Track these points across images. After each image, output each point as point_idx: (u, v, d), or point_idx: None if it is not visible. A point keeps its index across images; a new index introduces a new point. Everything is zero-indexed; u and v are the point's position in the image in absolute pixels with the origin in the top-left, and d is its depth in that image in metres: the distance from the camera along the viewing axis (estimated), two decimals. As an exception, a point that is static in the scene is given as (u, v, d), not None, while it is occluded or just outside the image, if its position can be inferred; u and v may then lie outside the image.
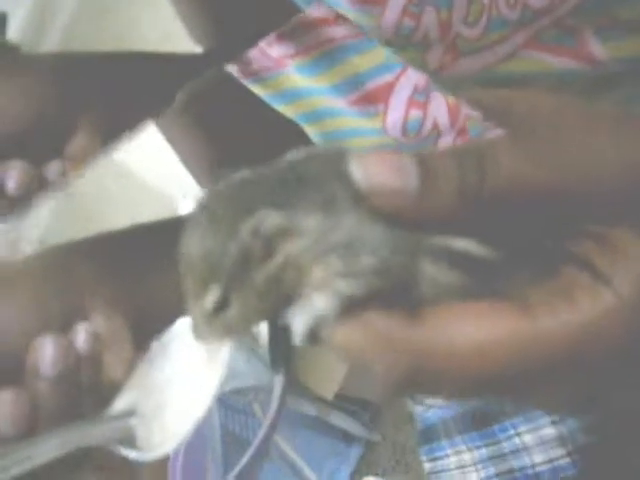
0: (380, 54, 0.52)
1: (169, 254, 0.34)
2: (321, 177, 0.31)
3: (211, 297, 0.32)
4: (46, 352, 0.40)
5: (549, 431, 0.65)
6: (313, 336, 0.31)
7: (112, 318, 0.42)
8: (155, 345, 0.38)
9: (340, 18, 0.51)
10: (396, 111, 0.54)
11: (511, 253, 0.30)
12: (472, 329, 0.28)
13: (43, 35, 0.48)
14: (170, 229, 0.37)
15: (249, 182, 0.32)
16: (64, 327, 0.41)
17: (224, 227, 0.31)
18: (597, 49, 0.50)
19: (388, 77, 0.53)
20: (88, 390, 0.41)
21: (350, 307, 0.30)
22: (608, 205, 0.28)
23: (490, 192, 0.28)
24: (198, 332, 0.33)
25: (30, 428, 0.39)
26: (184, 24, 0.55)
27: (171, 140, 0.64)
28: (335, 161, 0.31)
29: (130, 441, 0.35)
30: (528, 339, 0.28)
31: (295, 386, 1.02)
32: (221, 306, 0.32)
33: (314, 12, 0.51)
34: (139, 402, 0.36)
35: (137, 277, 0.47)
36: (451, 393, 0.30)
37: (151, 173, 1.65)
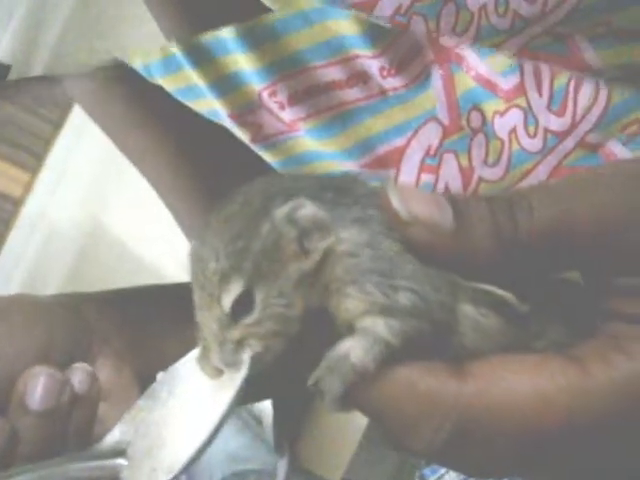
0: (391, 116, 0.52)
1: (183, 314, 0.33)
2: (360, 196, 0.30)
3: (233, 292, 0.28)
4: (37, 384, 0.37)
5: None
6: (347, 398, 0.29)
7: (121, 370, 0.41)
8: (160, 377, 0.35)
9: (352, 80, 0.52)
10: (407, 176, 0.54)
11: (544, 304, 0.29)
12: (527, 384, 0.27)
13: (33, 54, 0.48)
14: (184, 291, 0.36)
15: (286, 177, 0.31)
16: (64, 365, 0.39)
17: (255, 211, 0.29)
18: (590, 56, 0.49)
19: (399, 141, 0.53)
20: (75, 432, 0.38)
21: (387, 361, 0.28)
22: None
23: (525, 237, 0.28)
24: (208, 355, 0.30)
25: (5, 462, 0.36)
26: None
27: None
28: (375, 193, 0.30)
29: None
30: (585, 393, 0.26)
31: (299, 470, 0.98)
32: (241, 309, 0.28)
33: (327, 75, 0.52)
34: (132, 440, 0.34)
35: (150, 333, 0.46)
36: (500, 457, 0.28)
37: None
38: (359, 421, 0.99)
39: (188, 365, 0.34)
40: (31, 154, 2.42)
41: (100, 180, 2.33)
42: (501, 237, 0.28)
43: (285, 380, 0.69)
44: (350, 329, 0.29)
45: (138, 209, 2.15)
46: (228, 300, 0.28)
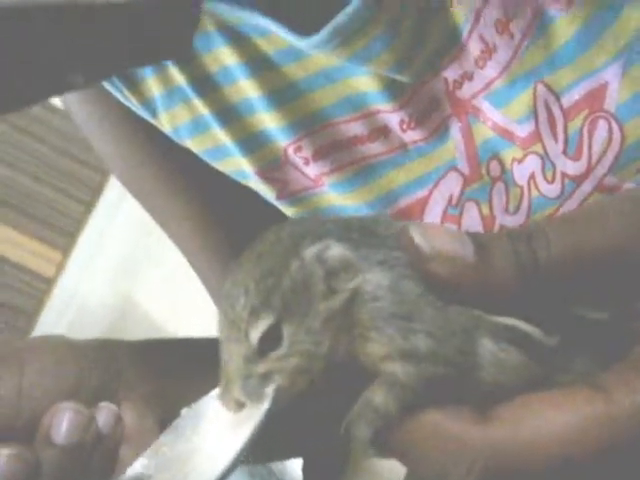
0: (412, 169, 0.54)
1: (207, 365, 0.34)
2: (384, 238, 0.31)
3: (262, 326, 0.29)
4: (64, 418, 0.38)
5: None
6: (378, 442, 0.29)
7: (144, 416, 0.42)
8: (184, 413, 0.36)
9: (374, 134, 0.53)
10: None
11: (570, 337, 0.30)
12: (554, 422, 0.27)
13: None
14: (210, 344, 0.37)
15: (314, 219, 0.32)
16: (90, 405, 0.40)
17: (285, 250, 0.30)
18: None
19: (421, 193, 0.54)
20: (97, 470, 0.39)
21: (410, 405, 0.29)
22: None
23: (545, 267, 0.29)
24: (230, 389, 0.30)
25: None
26: None
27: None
28: (396, 234, 0.31)
29: None
30: (612, 423, 0.26)
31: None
32: (268, 344, 0.29)
33: (349, 130, 0.54)
34: (153, 475, 0.34)
35: (175, 382, 0.46)
36: None
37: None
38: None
39: (212, 401, 0.34)
40: (63, 234, 2.48)
41: (130, 258, 2.37)
42: (522, 268, 0.28)
43: (316, 437, 0.69)
44: (374, 375, 0.30)
45: (167, 286, 2.18)
46: (256, 334, 0.29)
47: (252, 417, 0.30)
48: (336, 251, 0.29)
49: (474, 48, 0.48)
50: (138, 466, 0.35)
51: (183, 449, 0.33)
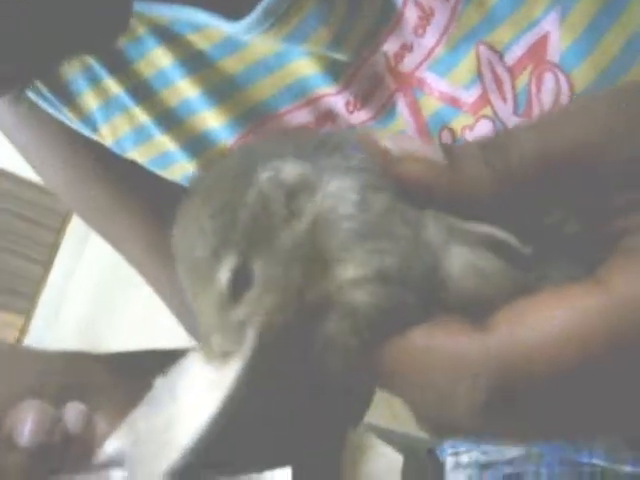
0: None
1: None
2: (345, 147, 0.29)
3: (227, 268, 0.26)
4: (27, 418, 0.35)
5: None
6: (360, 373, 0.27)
7: (119, 424, 0.39)
8: (159, 383, 0.33)
9: (321, 120, 0.52)
10: None
11: (544, 247, 0.28)
12: (554, 319, 0.25)
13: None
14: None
15: (266, 140, 0.29)
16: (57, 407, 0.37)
17: (237, 179, 0.27)
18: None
19: None
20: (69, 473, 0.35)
21: (391, 330, 0.26)
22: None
23: (516, 169, 0.27)
24: (209, 341, 0.27)
25: None
26: None
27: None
28: (355, 142, 0.29)
29: None
30: (615, 310, 0.25)
31: None
32: (240, 283, 0.26)
33: (295, 119, 0.52)
34: (130, 450, 0.31)
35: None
36: (551, 402, 0.26)
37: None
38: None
39: (188, 364, 0.31)
40: (23, 297, 2.42)
41: (92, 313, 2.32)
42: (494, 168, 0.27)
43: (306, 444, 0.66)
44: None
45: (133, 336, 2.13)
46: (224, 277, 0.26)
47: (232, 368, 0.27)
48: (292, 171, 0.27)
49: (411, 15, 0.47)
50: (110, 447, 0.33)
51: (160, 420, 0.31)
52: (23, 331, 2.41)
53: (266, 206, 0.26)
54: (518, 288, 0.27)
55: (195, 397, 0.30)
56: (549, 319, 0.25)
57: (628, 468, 0.59)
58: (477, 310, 0.27)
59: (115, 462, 0.32)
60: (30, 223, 2.49)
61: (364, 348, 0.26)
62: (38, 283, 2.46)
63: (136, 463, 0.31)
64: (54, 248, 2.50)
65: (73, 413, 0.37)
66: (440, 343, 0.26)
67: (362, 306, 0.26)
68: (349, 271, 0.26)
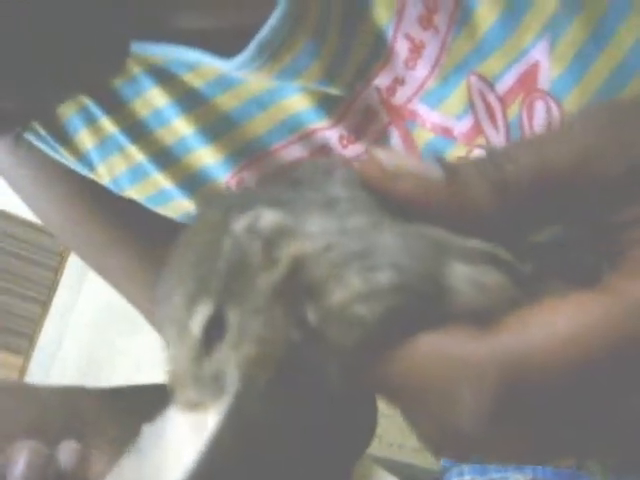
0: None
1: None
2: (318, 180, 0.28)
3: (202, 314, 0.26)
4: (20, 458, 0.35)
5: None
6: (352, 379, 0.26)
7: (115, 461, 0.39)
8: (146, 429, 0.32)
9: (315, 155, 0.53)
10: None
11: (541, 265, 0.28)
12: (563, 321, 0.25)
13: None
14: None
15: (241, 190, 0.29)
16: (52, 447, 0.37)
17: (214, 227, 0.27)
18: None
19: None
20: None
21: (390, 335, 0.26)
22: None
23: (514, 185, 0.27)
24: (183, 388, 0.27)
25: None
26: None
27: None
28: (331, 169, 0.29)
29: None
30: (625, 311, 0.24)
31: None
32: (214, 332, 0.26)
33: (289, 154, 0.53)
34: None
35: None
36: (561, 409, 0.25)
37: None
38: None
39: (173, 411, 0.30)
40: (22, 337, 2.41)
41: (92, 353, 2.31)
42: (491, 184, 0.27)
43: (313, 465, 0.66)
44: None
45: (133, 375, 2.12)
46: (197, 324, 0.26)
47: (212, 418, 0.27)
48: (267, 218, 0.26)
49: (402, 48, 0.48)
50: None
51: (147, 471, 0.30)
52: (22, 371, 2.40)
53: (243, 256, 0.26)
54: (518, 300, 0.27)
55: (180, 448, 0.29)
56: (557, 322, 0.25)
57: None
58: (480, 320, 0.26)
59: None
60: (27, 262, 2.49)
61: (369, 358, 0.26)
62: (36, 322, 2.45)
63: None
64: (52, 287, 2.50)
65: (67, 452, 0.37)
66: (445, 347, 0.25)
67: (363, 319, 0.26)
68: (338, 295, 0.26)
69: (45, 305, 2.48)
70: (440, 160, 0.28)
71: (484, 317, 0.26)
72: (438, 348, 0.25)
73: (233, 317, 0.26)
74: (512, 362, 0.24)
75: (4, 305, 2.44)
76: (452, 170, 0.28)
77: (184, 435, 0.29)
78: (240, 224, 0.26)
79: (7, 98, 0.33)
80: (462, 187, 0.27)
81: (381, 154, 0.28)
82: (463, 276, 0.26)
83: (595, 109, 0.29)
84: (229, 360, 0.26)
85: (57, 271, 2.49)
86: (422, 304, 0.26)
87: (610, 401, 0.25)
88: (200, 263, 0.26)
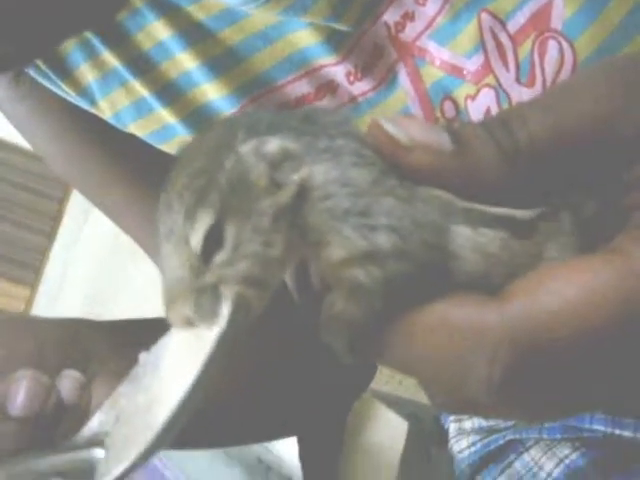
0: (365, 122, 0.52)
1: None
2: (331, 125, 0.28)
3: (201, 227, 0.25)
4: (20, 388, 0.35)
5: None
6: (357, 348, 0.26)
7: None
8: (143, 358, 0.31)
9: (321, 91, 0.52)
10: None
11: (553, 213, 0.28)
12: (575, 287, 0.24)
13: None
14: None
15: (247, 114, 0.29)
16: (53, 376, 0.37)
17: (218, 148, 0.26)
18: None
19: None
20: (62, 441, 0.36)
21: (383, 311, 0.26)
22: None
23: (527, 150, 0.27)
24: (178, 303, 0.26)
25: None
26: None
27: None
28: (343, 121, 0.28)
29: (87, 474, 0.29)
30: (634, 277, 0.24)
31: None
32: (212, 245, 0.25)
33: (295, 90, 0.52)
34: (112, 430, 0.30)
35: None
36: (573, 375, 0.25)
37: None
38: (392, 462, 0.96)
39: (170, 338, 0.30)
40: (28, 269, 2.43)
41: (98, 282, 2.33)
42: (502, 151, 0.27)
43: (309, 414, 0.67)
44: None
45: (138, 303, 2.14)
46: (197, 237, 0.26)
47: (207, 340, 0.26)
48: (274, 144, 0.26)
49: None
50: (95, 422, 0.32)
51: (143, 400, 0.29)
52: (29, 302, 2.42)
53: (245, 176, 0.26)
54: (524, 259, 0.27)
55: (174, 374, 0.28)
56: (570, 286, 0.24)
57: (628, 433, 0.59)
58: (486, 285, 0.27)
59: (95, 442, 0.31)
60: (32, 193, 2.49)
61: (374, 326, 0.26)
62: (42, 254, 2.46)
63: (114, 444, 0.30)
64: (57, 218, 2.50)
65: (68, 382, 0.37)
66: (455, 316, 0.25)
67: (365, 284, 0.25)
68: (339, 252, 0.26)
69: (50, 236, 2.49)
70: (449, 127, 0.28)
71: (490, 284, 0.26)
72: (447, 318, 0.25)
73: (232, 231, 0.26)
74: (525, 330, 0.24)
75: (10, 236, 2.45)
76: (462, 139, 0.27)
77: (179, 361, 0.28)
78: (247, 146, 0.26)
79: (9, 41, 0.33)
80: (472, 158, 0.27)
81: (390, 125, 0.27)
82: (467, 241, 0.26)
83: (613, 64, 0.28)
84: (225, 276, 0.26)
85: (62, 202, 2.49)
86: (425, 272, 0.26)
87: (622, 364, 0.25)
88: (199, 175, 0.26)
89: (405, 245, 0.25)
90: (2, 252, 2.43)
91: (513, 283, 0.26)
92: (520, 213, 0.27)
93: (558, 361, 0.25)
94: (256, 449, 1.01)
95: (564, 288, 0.24)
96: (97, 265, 2.35)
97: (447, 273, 0.26)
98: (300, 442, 0.92)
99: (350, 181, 0.26)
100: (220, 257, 0.26)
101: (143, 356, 0.32)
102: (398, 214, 0.26)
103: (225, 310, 0.26)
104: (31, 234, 2.47)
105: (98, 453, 0.30)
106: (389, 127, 0.27)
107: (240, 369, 0.54)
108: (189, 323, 0.27)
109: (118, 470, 0.27)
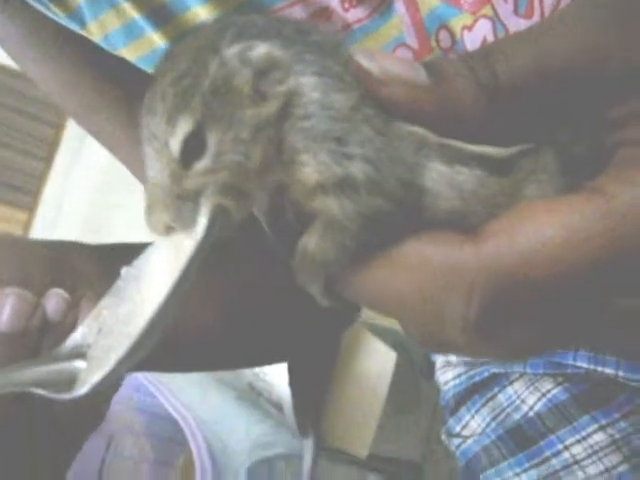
0: (386, 33, 0.51)
1: None
2: (318, 43, 0.27)
3: (181, 132, 0.25)
4: (5, 304, 0.36)
5: (599, 437, 0.60)
6: (332, 292, 0.26)
7: None
8: (125, 271, 0.32)
9: (315, 18, 0.51)
10: None
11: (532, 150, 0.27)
12: (553, 224, 0.24)
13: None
14: None
15: (239, 15, 0.28)
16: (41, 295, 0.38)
17: (203, 50, 0.26)
18: None
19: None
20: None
21: (355, 249, 0.25)
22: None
23: (507, 85, 0.26)
24: (159, 208, 0.26)
25: None
26: None
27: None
28: (334, 44, 0.28)
29: (68, 384, 0.29)
30: (616, 216, 0.24)
31: (326, 449, 0.97)
32: (193, 155, 0.25)
33: (289, 16, 0.51)
34: (94, 341, 0.30)
35: None
36: (549, 312, 0.25)
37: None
38: (380, 391, 0.98)
39: (152, 251, 0.30)
40: (25, 193, 2.43)
41: (95, 208, 2.33)
42: (481, 85, 0.26)
43: (299, 339, 0.67)
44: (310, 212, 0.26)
45: (136, 228, 2.15)
46: (176, 141, 0.25)
47: (185, 251, 0.26)
48: (262, 50, 0.25)
49: None
50: (78, 335, 0.32)
51: (124, 311, 0.30)
52: (26, 227, 2.43)
53: (229, 80, 0.25)
54: (502, 197, 0.26)
55: (154, 284, 0.28)
56: (549, 224, 0.24)
57: (610, 371, 0.60)
58: (463, 224, 0.26)
59: (78, 354, 0.31)
60: (29, 118, 2.46)
61: (348, 263, 0.26)
62: (40, 179, 2.46)
63: (96, 355, 0.30)
64: (54, 144, 2.48)
65: (54, 300, 0.38)
66: (431, 255, 0.25)
67: (338, 216, 0.25)
68: (313, 175, 0.25)
69: (47, 162, 2.48)
70: (427, 62, 0.27)
71: (468, 222, 0.26)
72: (423, 256, 0.25)
73: (213, 138, 0.25)
74: (501, 270, 0.24)
75: (6, 161, 2.43)
76: (439, 72, 0.26)
77: (158, 271, 0.28)
78: (232, 49, 0.25)
79: None
80: (448, 91, 0.26)
81: (364, 59, 0.27)
82: (443, 178, 0.26)
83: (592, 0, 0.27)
84: (205, 184, 0.25)
85: (59, 127, 2.47)
86: (399, 209, 0.25)
87: (598, 302, 0.25)
88: (183, 78, 0.25)
89: (379, 178, 0.25)
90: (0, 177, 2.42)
91: (490, 222, 0.25)
92: (497, 151, 0.26)
93: (534, 300, 0.24)
94: (247, 376, 1.02)
95: (542, 227, 0.24)
96: (94, 190, 2.35)
97: (422, 211, 0.26)
98: (290, 369, 0.93)
99: (331, 104, 0.26)
100: (200, 164, 0.25)
101: (125, 269, 0.32)
102: (374, 146, 0.25)
103: (203, 219, 0.26)
104: (29, 159, 2.46)
105: (80, 364, 0.30)
106: (363, 60, 0.27)
107: (227, 293, 0.55)
108: (168, 230, 0.27)
109: (95, 379, 0.27)
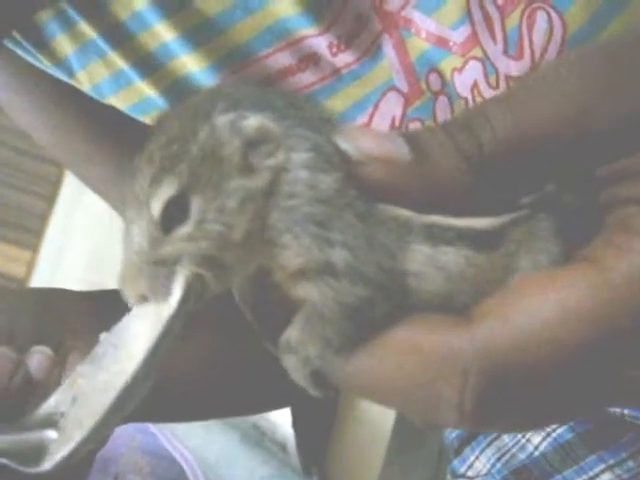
0: (349, 94, 0.51)
1: None
2: (310, 116, 0.27)
3: (164, 195, 0.24)
4: None
5: (607, 477, 0.59)
6: (320, 381, 0.26)
7: None
8: (104, 337, 0.30)
9: (303, 63, 0.50)
10: None
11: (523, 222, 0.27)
12: (548, 302, 0.23)
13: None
14: None
15: (232, 85, 0.28)
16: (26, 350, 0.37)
17: (195, 117, 0.25)
18: None
19: (361, 118, 0.52)
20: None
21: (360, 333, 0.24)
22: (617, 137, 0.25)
23: (492, 154, 0.25)
24: (135, 276, 0.25)
25: None
26: None
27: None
28: (327, 118, 0.27)
29: (37, 455, 0.28)
30: (611, 290, 0.23)
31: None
32: (175, 216, 0.24)
33: (276, 62, 0.51)
34: (67, 410, 0.29)
35: None
36: (546, 394, 0.24)
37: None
38: (384, 429, 0.96)
39: (130, 319, 0.29)
40: (29, 232, 2.43)
41: (99, 246, 2.33)
42: (465, 157, 0.25)
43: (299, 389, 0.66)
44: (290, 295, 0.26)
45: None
46: (158, 204, 0.25)
47: (160, 321, 0.26)
48: (254, 121, 0.25)
49: None
50: (52, 403, 0.31)
51: (101, 379, 0.28)
52: (30, 266, 2.43)
53: (218, 149, 0.25)
54: (493, 274, 0.26)
55: (130, 354, 0.27)
56: (544, 303, 0.23)
57: (616, 409, 0.59)
58: (452, 304, 0.26)
59: (50, 423, 0.30)
60: (32, 158, 2.48)
61: (333, 357, 0.25)
62: (43, 218, 2.46)
63: (68, 425, 0.28)
64: (57, 183, 2.49)
65: (37, 358, 0.37)
66: (421, 340, 0.24)
67: (319, 305, 0.24)
68: (295, 260, 0.25)
69: (50, 201, 2.49)
70: (407, 134, 0.26)
71: (458, 302, 0.25)
72: (414, 343, 0.24)
73: (196, 205, 0.25)
74: (495, 354, 0.23)
75: (10, 201, 2.44)
76: (420, 145, 0.25)
77: (134, 340, 0.27)
78: (224, 118, 0.25)
79: None
80: (432, 166, 0.25)
81: (342, 141, 0.26)
82: (429, 260, 0.25)
83: (581, 54, 0.26)
84: (184, 251, 0.25)
85: (62, 167, 2.48)
86: (383, 295, 0.24)
87: (602, 378, 0.24)
88: (172, 143, 0.25)
89: (358, 264, 0.24)
90: (3, 216, 2.43)
91: (483, 302, 0.25)
92: (486, 222, 0.26)
93: (531, 383, 0.24)
94: (251, 416, 1.01)
95: (536, 308, 0.23)
96: (97, 229, 2.35)
97: (408, 295, 0.25)
98: (293, 411, 0.92)
99: (317, 185, 0.25)
100: (181, 230, 0.25)
101: (104, 336, 0.30)
102: (354, 232, 0.25)
103: (178, 289, 0.25)
104: (31, 198, 2.47)
105: (51, 434, 0.29)
106: (341, 142, 0.26)
107: (210, 341, 0.54)
108: (143, 299, 0.26)
109: (59, 455, 0.26)
